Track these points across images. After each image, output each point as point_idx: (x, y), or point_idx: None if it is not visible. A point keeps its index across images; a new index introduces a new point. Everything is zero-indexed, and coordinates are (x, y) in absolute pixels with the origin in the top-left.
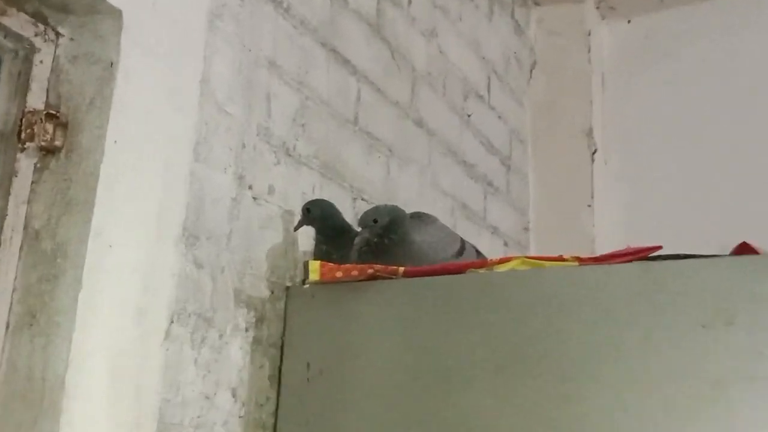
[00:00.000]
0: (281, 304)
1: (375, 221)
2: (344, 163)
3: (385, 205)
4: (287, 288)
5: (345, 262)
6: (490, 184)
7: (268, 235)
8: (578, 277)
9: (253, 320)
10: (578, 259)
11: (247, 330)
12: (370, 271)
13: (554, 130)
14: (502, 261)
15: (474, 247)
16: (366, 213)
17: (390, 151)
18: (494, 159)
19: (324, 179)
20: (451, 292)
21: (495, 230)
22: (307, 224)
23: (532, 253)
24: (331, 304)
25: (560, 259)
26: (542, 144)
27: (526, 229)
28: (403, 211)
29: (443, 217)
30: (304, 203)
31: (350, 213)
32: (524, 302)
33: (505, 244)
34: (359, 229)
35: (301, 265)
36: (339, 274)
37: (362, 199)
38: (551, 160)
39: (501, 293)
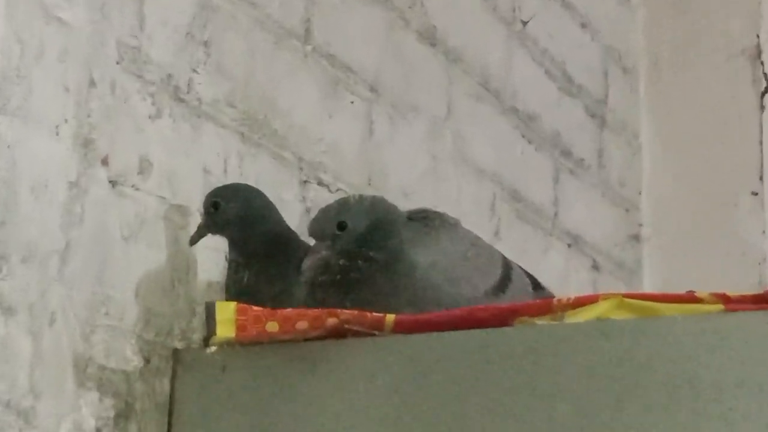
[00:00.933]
0: (163, 384)
1: (342, 227)
2: (284, 114)
3: (361, 196)
4: (175, 353)
5: (285, 303)
6: (566, 152)
7: (139, 252)
8: (723, 334)
9: (112, 414)
10: (724, 298)
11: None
12: (333, 321)
13: (690, 50)
14: (581, 303)
15: (528, 276)
16: (324, 212)
17: (373, 91)
18: (574, 105)
19: (247, 146)
20: (484, 361)
21: (575, 241)
22: (215, 232)
23: (647, 284)
24: (257, 383)
25: (691, 299)
26: (668, 77)
27: (636, 237)
28: (396, 207)
29: (475, 215)
30: (208, 192)
31: (296, 209)
32: (623, 380)
33: (595, 266)
34: (312, 243)
35: (201, 311)
36: (273, 328)
37: (320, 185)
38: (685, 107)
39: (578, 364)
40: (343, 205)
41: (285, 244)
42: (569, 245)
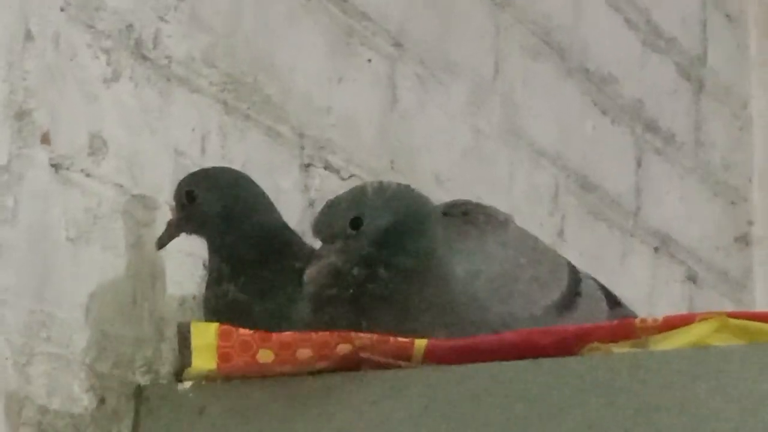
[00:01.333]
0: (122, 431)
1: (356, 224)
2: (281, 77)
3: (382, 184)
4: (138, 390)
5: (283, 325)
6: (651, 127)
7: (91, 258)
8: None
9: None
10: None
11: None
12: (345, 348)
13: None
14: (671, 324)
15: (603, 289)
16: (334, 205)
17: (397, 45)
18: (663, 64)
19: (232, 118)
20: (543, 400)
21: (665, 243)
22: (190, 231)
23: (759, 299)
24: (245, 430)
25: None
26: None
27: (744, 239)
28: (427, 199)
29: (532, 210)
30: (181, 179)
31: (297, 201)
32: (728, 423)
33: (690, 277)
34: (318, 245)
35: (172, 335)
36: (267, 358)
37: (328, 169)
38: None
39: (668, 403)
40: (357, 196)
41: (282, 247)
42: (656, 249)
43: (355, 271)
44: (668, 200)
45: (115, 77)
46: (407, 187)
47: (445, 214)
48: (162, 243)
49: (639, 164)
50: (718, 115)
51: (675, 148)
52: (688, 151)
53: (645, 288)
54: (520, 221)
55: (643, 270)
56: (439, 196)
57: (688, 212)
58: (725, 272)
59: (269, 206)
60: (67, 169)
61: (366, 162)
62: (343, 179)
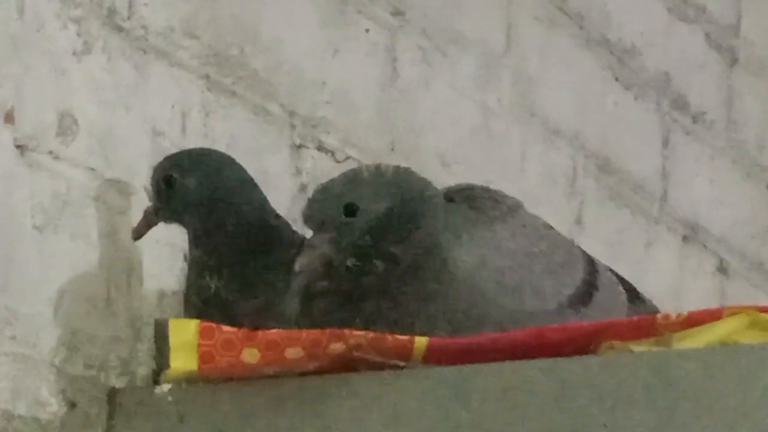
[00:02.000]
0: None
1: (351, 211)
2: (269, 49)
3: (379, 167)
4: (112, 394)
5: (270, 321)
6: (679, 103)
7: (59, 248)
8: None
9: None
10: None
11: None
12: (338, 347)
13: None
14: (697, 320)
15: (623, 282)
16: (327, 190)
17: (398, 14)
18: (692, 34)
19: (215, 94)
20: (556, 402)
21: (693, 231)
22: (169, 219)
23: None
24: None
25: None
26: None
27: None
28: (429, 183)
29: (546, 195)
30: (159, 162)
31: (287, 186)
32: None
33: (721, 269)
34: (308, 234)
35: (149, 333)
36: (252, 358)
37: (321, 150)
38: None
39: (692, 407)
40: (353, 180)
41: (269, 236)
42: (684, 238)
43: (349, 262)
44: (697, 184)
45: (86, 49)
46: (407, 170)
47: (448, 199)
48: (138, 232)
49: (665, 144)
50: (753, 91)
51: (705, 126)
52: (719, 130)
53: (672, 281)
54: (533, 207)
55: (670, 261)
56: (444, 179)
57: (719, 197)
58: (760, 263)
59: (256, 192)
60: (34, 150)
61: (363, 142)
62: (337, 161)
